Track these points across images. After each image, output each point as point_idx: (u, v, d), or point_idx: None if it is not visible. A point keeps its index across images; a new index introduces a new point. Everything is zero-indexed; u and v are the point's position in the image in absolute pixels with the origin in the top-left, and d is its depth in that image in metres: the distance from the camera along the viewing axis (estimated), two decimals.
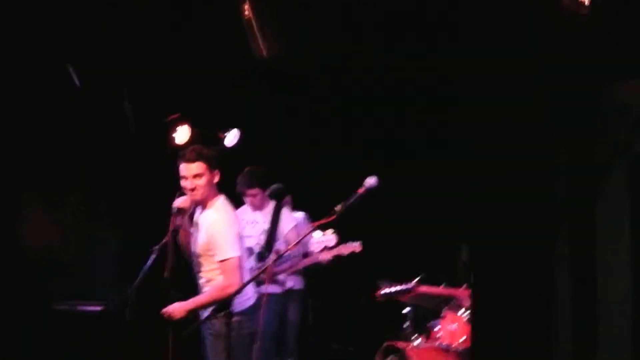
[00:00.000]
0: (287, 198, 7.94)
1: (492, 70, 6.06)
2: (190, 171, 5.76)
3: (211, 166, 5.79)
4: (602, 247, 5.96)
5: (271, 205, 7.60)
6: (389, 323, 7.59)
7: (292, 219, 7.62)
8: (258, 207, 7.55)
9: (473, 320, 5.72)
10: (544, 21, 5.76)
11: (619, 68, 5.79)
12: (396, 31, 6.83)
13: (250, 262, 7.10)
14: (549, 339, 5.91)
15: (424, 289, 6.87)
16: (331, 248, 7.19)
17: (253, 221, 7.50)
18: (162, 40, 7.38)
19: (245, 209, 7.55)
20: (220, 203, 5.86)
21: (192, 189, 5.76)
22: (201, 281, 5.87)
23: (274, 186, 7.70)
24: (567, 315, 6.03)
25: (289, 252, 6.09)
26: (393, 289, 6.94)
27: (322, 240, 7.11)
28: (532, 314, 5.93)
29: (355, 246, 7.23)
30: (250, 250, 7.20)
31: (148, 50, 7.45)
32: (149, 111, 8.14)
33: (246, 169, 7.50)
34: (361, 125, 8.29)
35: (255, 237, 7.42)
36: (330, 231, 6.96)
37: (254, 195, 7.49)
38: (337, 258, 7.25)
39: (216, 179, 5.83)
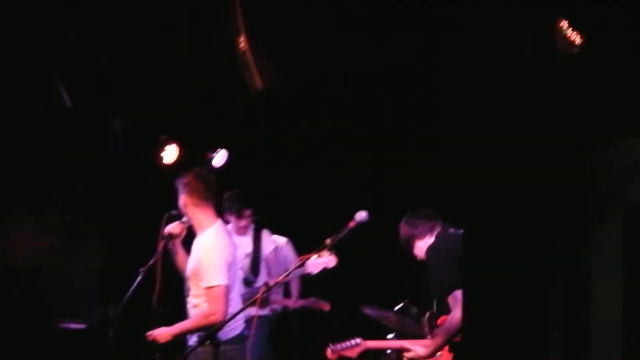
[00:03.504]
0: None
1: (488, 121, 6.13)
2: None
3: (178, 192, 5.86)
4: (596, 295, 6.03)
5: (251, 228, 7.55)
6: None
7: (271, 242, 7.57)
8: (245, 230, 7.50)
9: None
10: (538, 73, 5.82)
11: (610, 127, 5.86)
12: (394, 66, 6.85)
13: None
14: None
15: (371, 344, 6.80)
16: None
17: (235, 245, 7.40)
18: (154, 59, 7.37)
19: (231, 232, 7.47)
20: (215, 229, 5.84)
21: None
22: (189, 305, 5.87)
23: None
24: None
25: (278, 283, 6.09)
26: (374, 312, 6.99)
27: (320, 262, 6.82)
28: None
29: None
30: None
31: (140, 69, 7.43)
32: (139, 129, 8.14)
33: (232, 193, 7.40)
34: (353, 157, 8.29)
35: (239, 262, 7.27)
36: (326, 253, 6.86)
37: (248, 217, 7.43)
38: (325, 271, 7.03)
39: (183, 206, 5.83)
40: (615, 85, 5.61)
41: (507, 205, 6.01)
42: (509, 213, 6.01)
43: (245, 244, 7.48)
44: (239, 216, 7.38)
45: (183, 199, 5.84)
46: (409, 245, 6.04)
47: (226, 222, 7.33)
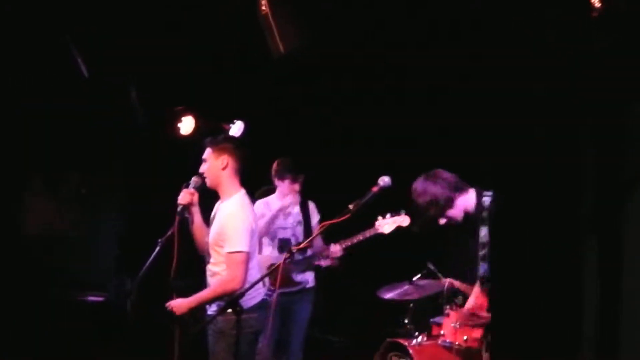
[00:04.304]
0: None
1: (522, 80, 6.07)
2: (204, 155, 5.85)
3: (215, 152, 5.80)
4: (629, 257, 5.98)
5: (298, 197, 7.50)
6: (390, 316, 7.59)
7: (316, 213, 7.56)
8: (294, 197, 7.41)
9: (493, 329, 5.52)
10: (575, 32, 5.77)
11: None
12: (419, 29, 6.77)
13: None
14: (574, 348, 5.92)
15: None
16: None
17: (286, 212, 7.39)
18: (172, 29, 7.31)
19: (274, 201, 7.41)
20: (239, 197, 5.82)
21: (202, 173, 5.83)
22: (208, 274, 5.83)
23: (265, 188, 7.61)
24: (593, 322, 6.03)
25: (299, 249, 6.03)
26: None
27: (393, 221, 6.90)
28: (556, 323, 5.91)
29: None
30: (286, 242, 7.23)
31: (157, 39, 7.38)
32: (157, 100, 8.10)
33: (284, 159, 7.41)
34: (377, 123, 8.24)
35: (291, 229, 7.37)
36: (394, 214, 6.90)
37: (301, 183, 7.41)
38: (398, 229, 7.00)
39: (222, 166, 5.79)
40: None
41: (539, 171, 5.97)
42: (541, 178, 5.97)
43: (295, 211, 7.46)
44: (294, 181, 7.34)
45: (225, 161, 5.79)
46: (447, 207, 5.51)
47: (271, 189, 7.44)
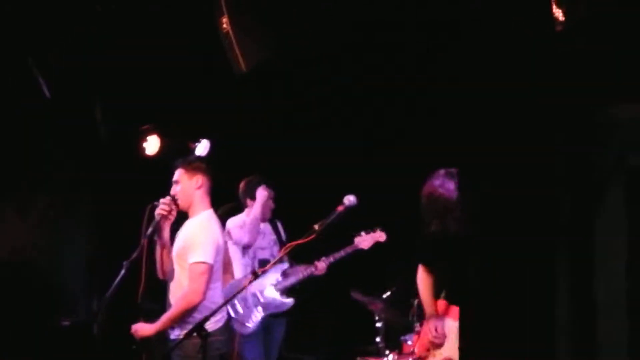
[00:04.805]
0: None
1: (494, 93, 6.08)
2: (174, 177, 5.76)
3: (188, 172, 5.73)
4: (601, 259, 6.02)
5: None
6: (361, 334, 7.56)
7: (284, 231, 7.58)
8: (267, 217, 7.45)
9: (464, 337, 5.42)
10: (545, 39, 5.80)
11: (612, 90, 5.84)
12: (384, 45, 6.78)
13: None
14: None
15: None
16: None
17: (259, 232, 7.37)
18: (135, 46, 7.25)
19: (245, 220, 7.39)
20: (207, 215, 5.76)
21: (174, 195, 5.72)
22: (170, 294, 5.72)
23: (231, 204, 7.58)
24: (566, 326, 6.06)
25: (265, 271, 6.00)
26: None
27: (371, 237, 7.18)
28: (530, 329, 5.92)
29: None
30: (266, 262, 7.15)
31: (121, 56, 7.32)
32: (121, 117, 8.03)
33: (253, 177, 7.42)
34: (336, 139, 8.22)
35: (268, 249, 7.38)
36: (370, 231, 7.17)
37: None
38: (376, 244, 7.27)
39: (196, 186, 5.72)
40: (619, 52, 5.58)
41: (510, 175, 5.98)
42: (511, 183, 5.98)
43: (269, 230, 7.49)
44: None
45: (199, 181, 5.73)
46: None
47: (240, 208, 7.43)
